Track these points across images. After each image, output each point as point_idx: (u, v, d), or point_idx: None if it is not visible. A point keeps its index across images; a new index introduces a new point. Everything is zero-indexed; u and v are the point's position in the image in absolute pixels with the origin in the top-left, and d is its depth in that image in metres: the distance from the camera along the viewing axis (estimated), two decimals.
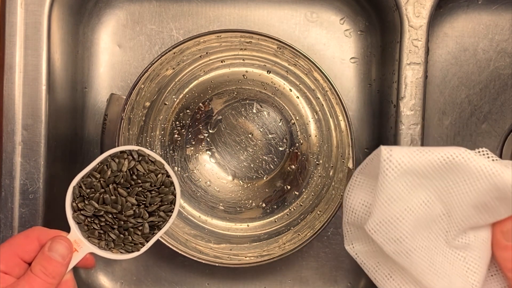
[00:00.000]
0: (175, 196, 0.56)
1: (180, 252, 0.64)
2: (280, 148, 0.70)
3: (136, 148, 0.56)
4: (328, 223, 0.65)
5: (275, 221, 0.70)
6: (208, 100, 0.70)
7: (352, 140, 0.64)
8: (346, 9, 0.72)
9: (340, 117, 0.65)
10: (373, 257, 0.52)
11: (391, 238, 0.48)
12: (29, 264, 0.51)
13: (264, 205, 0.71)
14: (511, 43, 0.72)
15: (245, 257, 0.66)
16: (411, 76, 0.65)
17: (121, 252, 0.56)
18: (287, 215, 0.70)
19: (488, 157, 0.49)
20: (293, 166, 0.70)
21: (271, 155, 0.70)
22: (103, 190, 0.55)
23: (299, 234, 0.67)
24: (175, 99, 0.70)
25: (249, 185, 0.71)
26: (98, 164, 0.56)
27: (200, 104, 0.70)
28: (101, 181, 0.55)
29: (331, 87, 0.64)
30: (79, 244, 0.54)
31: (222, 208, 0.71)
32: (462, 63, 0.73)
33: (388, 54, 0.69)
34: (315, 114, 0.69)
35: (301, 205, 0.70)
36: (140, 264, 0.73)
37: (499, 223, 0.50)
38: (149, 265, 0.73)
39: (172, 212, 0.56)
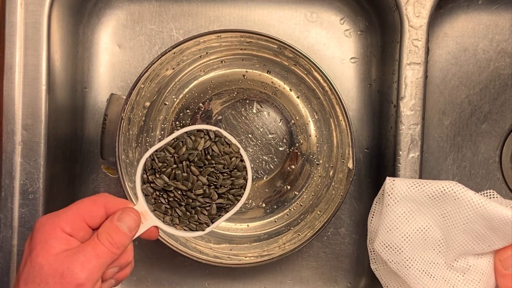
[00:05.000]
0: (246, 181, 0.56)
1: (180, 252, 0.64)
2: (280, 148, 0.70)
3: (214, 128, 0.56)
4: (328, 223, 0.65)
5: (275, 221, 0.70)
6: (208, 100, 0.70)
7: (352, 140, 0.64)
8: (346, 9, 0.72)
9: (340, 117, 0.65)
10: (388, 273, 0.62)
11: (393, 259, 0.57)
12: (93, 229, 0.51)
13: (264, 205, 0.71)
14: (511, 43, 0.72)
15: (245, 257, 0.66)
16: (411, 76, 0.65)
17: (184, 230, 0.55)
18: (287, 215, 0.70)
19: (488, 196, 0.57)
20: (293, 166, 0.70)
21: (271, 155, 0.70)
22: (175, 166, 0.55)
23: (299, 234, 0.67)
24: (175, 99, 0.69)
25: None
26: (173, 139, 0.55)
27: (200, 104, 0.70)
28: (175, 157, 0.55)
29: (331, 87, 0.64)
30: (144, 216, 0.54)
31: None
32: (462, 63, 0.73)
33: (388, 54, 0.69)
34: (315, 114, 0.69)
35: (301, 205, 0.70)
36: (140, 264, 0.73)
37: (498, 252, 0.57)
38: (149, 265, 0.73)
39: (241, 196, 0.56)
